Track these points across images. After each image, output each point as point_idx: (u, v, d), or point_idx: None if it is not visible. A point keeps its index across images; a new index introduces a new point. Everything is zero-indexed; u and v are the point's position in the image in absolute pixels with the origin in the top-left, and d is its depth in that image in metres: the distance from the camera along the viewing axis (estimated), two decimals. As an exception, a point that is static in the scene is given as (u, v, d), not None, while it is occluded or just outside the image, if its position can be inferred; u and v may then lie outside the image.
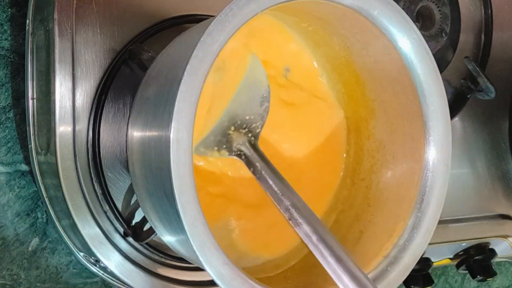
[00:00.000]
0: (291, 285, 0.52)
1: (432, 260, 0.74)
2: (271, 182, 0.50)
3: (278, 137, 0.56)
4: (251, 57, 0.53)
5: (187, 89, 0.41)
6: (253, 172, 0.51)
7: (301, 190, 0.50)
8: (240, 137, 0.52)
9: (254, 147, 0.52)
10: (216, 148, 0.51)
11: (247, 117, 0.52)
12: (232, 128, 0.52)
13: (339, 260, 0.47)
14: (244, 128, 0.52)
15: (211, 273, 0.42)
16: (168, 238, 0.48)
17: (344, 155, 0.58)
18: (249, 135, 0.52)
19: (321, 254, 0.47)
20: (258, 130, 0.53)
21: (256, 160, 0.51)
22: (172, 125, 0.41)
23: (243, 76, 0.53)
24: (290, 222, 0.48)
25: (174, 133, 0.41)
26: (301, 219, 0.48)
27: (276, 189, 0.49)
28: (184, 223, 0.41)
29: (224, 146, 0.52)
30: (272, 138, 0.55)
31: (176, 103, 0.41)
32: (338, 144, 0.58)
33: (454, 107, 0.73)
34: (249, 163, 0.51)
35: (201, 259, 0.42)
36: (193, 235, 0.41)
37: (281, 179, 0.50)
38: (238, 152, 0.52)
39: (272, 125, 0.54)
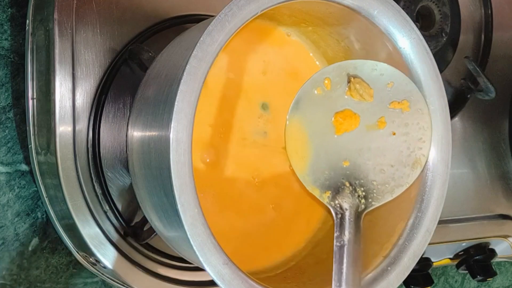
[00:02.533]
0: (291, 285, 0.52)
1: (432, 260, 0.74)
2: (345, 260, 0.46)
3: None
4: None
5: (187, 89, 0.41)
6: (336, 237, 0.47)
7: (301, 192, 0.50)
8: (350, 196, 0.48)
9: (359, 217, 0.47)
10: (321, 184, 0.48)
11: (374, 183, 0.49)
12: (350, 183, 0.48)
13: None
14: (362, 191, 0.49)
15: (211, 273, 0.42)
16: (168, 237, 0.49)
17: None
18: (362, 201, 0.48)
19: None
20: (374, 204, 0.49)
21: (350, 231, 0.47)
22: (172, 125, 0.41)
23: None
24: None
25: (174, 133, 0.41)
26: None
27: (344, 269, 0.46)
28: (184, 223, 0.41)
29: (330, 190, 0.48)
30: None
31: (176, 103, 0.41)
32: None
33: (454, 107, 0.73)
34: (340, 227, 0.47)
35: (201, 259, 0.42)
36: (193, 235, 0.41)
37: (357, 270, 0.46)
38: (338, 208, 0.48)
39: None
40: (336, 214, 0.48)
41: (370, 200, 0.49)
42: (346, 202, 0.48)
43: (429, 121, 0.49)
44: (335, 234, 0.47)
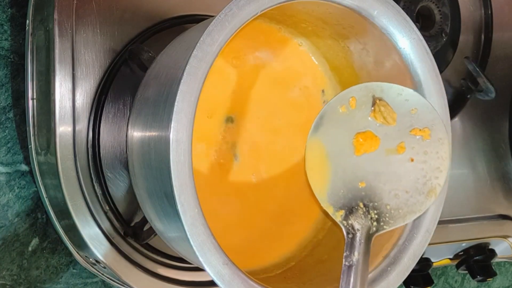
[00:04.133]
0: (291, 285, 0.52)
1: (432, 260, 0.74)
2: (352, 280, 0.46)
3: (282, 141, 0.55)
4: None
5: (187, 89, 0.41)
6: (345, 257, 0.47)
7: (301, 192, 0.50)
8: (363, 217, 0.48)
9: (369, 239, 0.48)
10: (336, 203, 0.48)
11: (387, 207, 0.49)
12: (364, 205, 0.49)
13: None
14: (375, 214, 0.49)
15: (210, 273, 0.42)
16: (168, 238, 0.49)
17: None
18: (374, 224, 0.48)
19: None
20: (385, 228, 0.49)
21: (359, 252, 0.47)
22: (172, 125, 0.41)
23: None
24: None
25: (173, 133, 0.41)
26: None
27: (352, 280, 0.45)
28: (184, 223, 0.41)
29: (344, 209, 0.48)
30: (274, 140, 0.55)
31: (176, 103, 0.41)
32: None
33: (454, 107, 0.73)
34: (350, 247, 0.47)
35: (200, 259, 0.42)
36: (193, 235, 0.41)
37: (364, 286, 0.46)
38: (350, 227, 0.48)
39: (273, 129, 0.54)
40: (348, 233, 0.48)
41: (382, 223, 0.49)
42: (359, 223, 0.48)
43: (448, 152, 0.49)
44: (345, 254, 0.47)
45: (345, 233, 0.48)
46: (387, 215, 0.48)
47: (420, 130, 0.49)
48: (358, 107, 0.48)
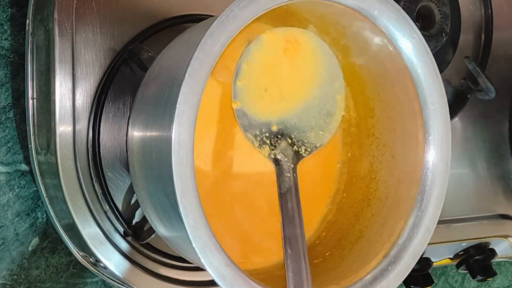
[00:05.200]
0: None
1: (432, 260, 0.74)
2: (289, 204, 0.49)
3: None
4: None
5: (189, 91, 0.41)
6: (278, 186, 0.50)
7: (302, 192, 0.50)
8: (286, 148, 0.52)
9: (295, 166, 0.52)
10: (261, 139, 0.52)
11: (303, 137, 0.53)
12: (286, 138, 0.52)
13: None
14: (294, 145, 0.53)
15: (212, 274, 0.42)
16: (168, 238, 0.49)
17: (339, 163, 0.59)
18: (297, 150, 0.53)
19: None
20: (307, 153, 0.53)
21: (290, 178, 0.51)
22: (174, 127, 0.40)
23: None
24: (284, 248, 0.48)
25: (175, 135, 0.41)
26: (291, 253, 0.48)
27: (289, 210, 0.49)
28: (186, 225, 0.41)
29: (269, 143, 0.52)
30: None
31: (178, 105, 0.41)
32: (333, 146, 0.58)
33: (454, 107, 0.73)
34: (280, 176, 0.51)
35: (202, 261, 0.42)
36: (195, 237, 0.41)
37: (298, 205, 0.50)
38: (277, 159, 0.52)
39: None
40: (276, 165, 0.51)
41: (301, 152, 0.53)
42: (283, 154, 0.52)
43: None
44: (278, 183, 0.51)
45: (274, 166, 0.51)
46: (305, 141, 0.53)
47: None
48: None
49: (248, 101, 0.51)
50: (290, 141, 0.53)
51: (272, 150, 0.52)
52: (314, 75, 0.54)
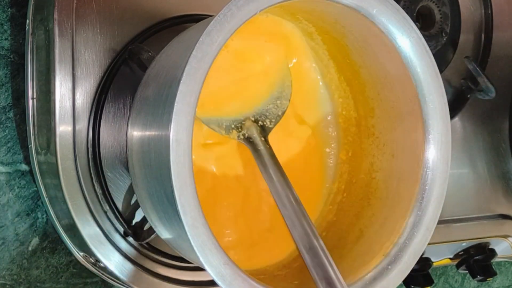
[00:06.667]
0: (291, 285, 0.52)
1: (432, 260, 0.74)
2: (272, 173, 0.50)
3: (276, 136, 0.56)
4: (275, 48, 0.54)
5: (187, 89, 0.41)
6: (256, 161, 0.52)
7: (302, 192, 0.50)
8: (253, 127, 0.53)
9: (265, 139, 0.53)
10: (225, 127, 0.53)
11: (264, 112, 0.54)
12: (248, 118, 0.53)
13: (321, 267, 0.47)
14: (258, 121, 0.54)
15: (212, 273, 0.42)
16: (168, 238, 0.48)
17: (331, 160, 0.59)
18: (263, 125, 0.54)
19: (310, 260, 0.48)
20: (271, 126, 0.54)
21: (265, 152, 0.52)
22: (172, 126, 0.40)
23: (266, 66, 0.54)
24: (285, 219, 0.49)
25: (173, 134, 0.41)
26: (296, 219, 0.49)
27: (276, 180, 0.50)
28: (184, 223, 0.41)
29: (234, 127, 0.53)
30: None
31: (176, 104, 0.41)
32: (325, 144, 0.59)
33: (454, 107, 0.73)
34: (255, 151, 0.52)
35: (201, 260, 0.42)
36: (194, 236, 0.41)
37: (283, 173, 0.50)
38: (247, 138, 0.53)
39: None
40: (249, 144, 0.53)
41: (267, 125, 0.54)
42: (251, 132, 0.53)
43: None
44: (256, 161, 0.52)
45: (247, 145, 0.53)
46: (267, 114, 0.54)
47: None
48: None
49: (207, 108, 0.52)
50: (253, 119, 0.54)
51: (240, 131, 0.53)
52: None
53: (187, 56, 0.41)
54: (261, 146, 0.52)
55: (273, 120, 0.54)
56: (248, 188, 0.54)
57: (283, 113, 0.55)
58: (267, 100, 0.55)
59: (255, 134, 0.53)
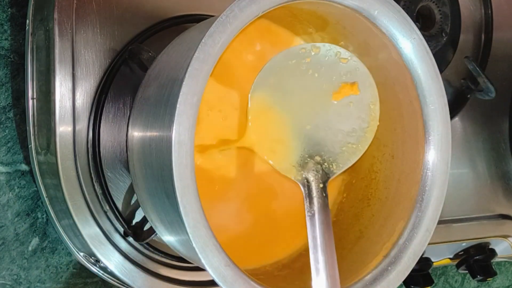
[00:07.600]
0: (291, 285, 0.52)
1: (432, 260, 0.74)
2: (317, 228, 0.48)
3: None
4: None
5: (189, 91, 0.41)
6: (306, 208, 0.49)
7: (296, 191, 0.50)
8: (314, 169, 0.51)
9: (324, 185, 0.50)
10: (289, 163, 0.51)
11: (333, 154, 0.52)
12: (313, 158, 0.51)
13: None
14: (324, 163, 0.51)
15: (213, 274, 0.42)
16: (168, 238, 0.48)
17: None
18: (325, 170, 0.51)
19: None
20: (335, 172, 0.52)
21: (318, 200, 0.49)
22: (174, 127, 0.40)
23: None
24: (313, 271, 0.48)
25: (176, 135, 0.41)
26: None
27: (319, 240, 0.48)
28: (186, 225, 0.41)
29: (295, 166, 0.51)
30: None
31: (178, 105, 0.41)
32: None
33: (454, 107, 0.73)
34: (309, 198, 0.50)
35: (203, 261, 0.42)
36: (195, 237, 0.41)
37: (329, 235, 0.48)
38: (305, 181, 0.51)
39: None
40: (304, 186, 0.50)
41: (332, 169, 0.52)
42: (311, 175, 0.51)
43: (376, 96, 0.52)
44: (305, 205, 0.49)
45: (301, 187, 0.50)
46: (333, 160, 0.52)
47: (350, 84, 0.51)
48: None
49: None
50: (319, 159, 0.51)
51: (299, 171, 0.51)
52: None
53: (190, 57, 0.41)
54: (317, 195, 0.50)
55: (341, 165, 0.52)
56: (250, 189, 0.54)
57: (356, 159, 0.52)
58: (339, 136, 0.52)
59: (315, 178, 0.50)
